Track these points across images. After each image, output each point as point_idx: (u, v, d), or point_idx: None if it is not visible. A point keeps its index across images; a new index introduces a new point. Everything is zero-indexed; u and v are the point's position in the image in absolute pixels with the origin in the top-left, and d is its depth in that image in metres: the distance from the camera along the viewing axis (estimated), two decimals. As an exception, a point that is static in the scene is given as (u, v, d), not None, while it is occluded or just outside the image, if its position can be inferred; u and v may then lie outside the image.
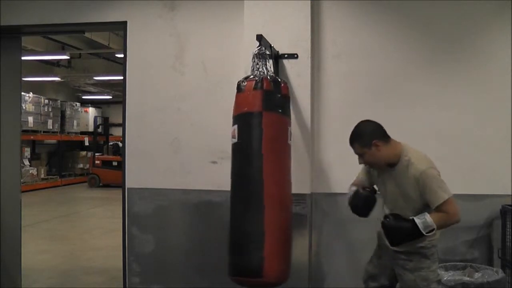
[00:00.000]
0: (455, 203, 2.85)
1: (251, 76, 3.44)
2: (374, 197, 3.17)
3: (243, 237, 3.30)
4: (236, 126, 3.37)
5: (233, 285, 4.22)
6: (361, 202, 3.16)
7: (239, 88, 3.43)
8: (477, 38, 4.12)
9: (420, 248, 2.98)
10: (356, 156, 3.04)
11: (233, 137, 3.39)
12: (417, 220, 2.79)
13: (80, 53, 14.13)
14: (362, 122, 3.06)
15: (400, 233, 2.86)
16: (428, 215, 2.81)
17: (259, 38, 3.47)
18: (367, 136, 2.95)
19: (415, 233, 2.80)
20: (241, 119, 3.37)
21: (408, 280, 3.02)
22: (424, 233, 2.78)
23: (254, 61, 3.47)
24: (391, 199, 3.08)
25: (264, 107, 3.32)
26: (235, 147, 3.40)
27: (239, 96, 3.42)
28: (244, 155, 3.36)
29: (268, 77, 3.42)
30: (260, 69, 3.46)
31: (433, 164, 2.95)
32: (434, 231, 2.81)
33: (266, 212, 3.25)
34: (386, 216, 2.94)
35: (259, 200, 3.26)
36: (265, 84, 3.35)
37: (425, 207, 2.91)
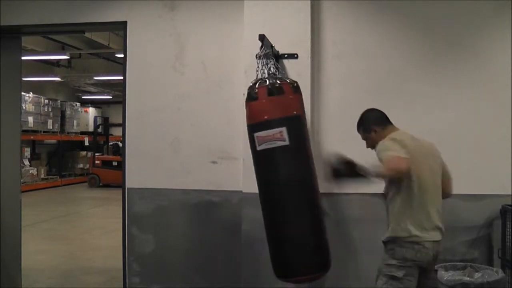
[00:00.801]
0: (395, 158, 2.86)
1: (262, 78, 3.39)
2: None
3: (305, 237, 3.35)
4: (284, 129, 3.26)
5: (233, 285, 4.23)
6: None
7: (278, 90, 3.32)
8: (477, 38, 4.12)
9: (384, 241, 3.11)
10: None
11: (279, 139, 3.25)
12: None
13: (80, 53, 14.12)
14: (366, 110, 3.32)
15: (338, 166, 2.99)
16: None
17: (262, 38, 3.46)
18: (367, 123, 3.24)
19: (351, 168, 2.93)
20: (290, 121, 3.30)
21: None
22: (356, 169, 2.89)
23: (263, 62, 3.46)
24: None
25: (303, 111, 3.48)
26: (283, 149, 3.28)
27: (280, 98, 3.31)
28: (295, 158, 3.33)
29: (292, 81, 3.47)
30: (271, 70, 3.46)
31: (393, 137, 3.05)
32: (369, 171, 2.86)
33: (319, 211, 3.43)
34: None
35: (315, 201, 3.42)
36: (299, 89, 3.48)
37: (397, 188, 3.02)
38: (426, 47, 4.15)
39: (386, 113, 4.22)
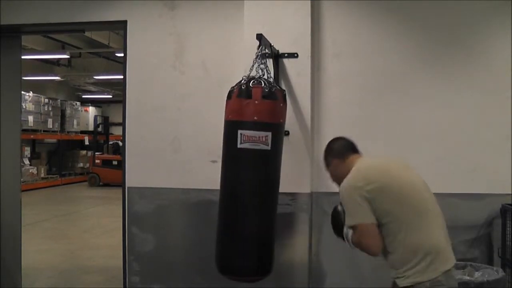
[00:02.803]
0: (367, 229, 2.54)
1: (255, 78, 3.39)
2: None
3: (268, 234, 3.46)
4: (270, 134, 3.31)
5: (233, 284, 4.23)
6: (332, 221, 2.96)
7: (272, 95, 3.34)
8: (477, 38, 4.12)
9: (393, 278, 2.60)
10: None
11: (263, 143, 3.29)
12: (344, 229, 2.70)
13: (80, 52, 14.14)
14: (332, 140, 3.01)
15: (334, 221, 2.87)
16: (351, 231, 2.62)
17: (259, 37, 3.46)
18: (328, 154, 2.94)
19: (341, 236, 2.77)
20: (275, 128, 3.37)
21: None
22: (345, 237, 2.69)
23: (259, 62, 3.46)
24: None
25: (284, 120, 3.52)
26: (263, 153, 3.32)
27: (273, 103, 3.35)
28: (273, 162, 3.41)
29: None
30: (265, 72, 3.48)
31: (356, 181, 2.61)
32: (349, 241, 2.64)
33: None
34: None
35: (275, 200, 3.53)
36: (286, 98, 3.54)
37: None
38: (426, 46, 4.15)
39: (386, 112, 4.24)
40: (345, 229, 2.69)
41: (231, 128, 3.39)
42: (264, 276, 3.47)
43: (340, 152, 2.88)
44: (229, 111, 3.41)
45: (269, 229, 3.45)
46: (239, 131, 3.30)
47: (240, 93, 3.33)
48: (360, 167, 2.70)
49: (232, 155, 3.41)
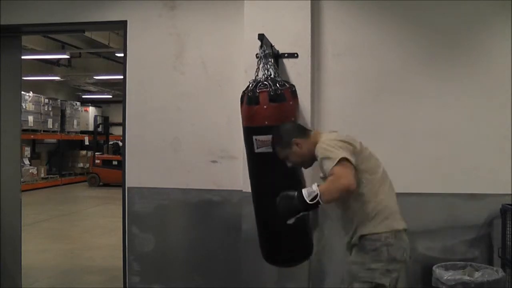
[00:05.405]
0: (344, 165, 2.56)
1: (262, 81, 3.39)
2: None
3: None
4: None
5: (233, 284, 4.24)
6: None
7: (279, 97, 3.34)
8: (478, 38, 4.12)
9: (360, 238, 2.75)
10: None
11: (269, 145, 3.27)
12: (304, 190, 2.59)
13: (80, 53, 14.12)
14: (280, 125, 3.04)
15: (286, 203, 2.66)
16: (316, 184, 2.61)
17: (261, 37, 3.46)
18: (285, 137, 2.90)
19: (301, 202, 2.57)
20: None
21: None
22: (308, 200, 2.54)
23: (263, 62, 3.47)
24: None
25: (298, 114, 3.56)
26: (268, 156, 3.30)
27: (281, 105, 3.35)
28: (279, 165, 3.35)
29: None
30: (272, 72, 3.48)
31: (333, 138, 2.74)
32: (317, 197, 2.53)
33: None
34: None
35: None
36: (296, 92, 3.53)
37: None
38: (426, 46, 4.15)
39: (386, 112, 4.24)
40: (306, 190, 2.57)
41: (246, 134, 3.47)
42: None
43: (301, 130, 2.95)
44: (243, 117, 3.48)
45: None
46: (254, 137, 3.38)
47: (249, 100, 3.38)
48: (334, 135, 2.83)
49: (252, 159, 3.49)
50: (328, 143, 2.69)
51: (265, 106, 3.31)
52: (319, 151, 2.70)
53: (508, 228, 3.87)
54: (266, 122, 3.30)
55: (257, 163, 3.48)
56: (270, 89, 3.33)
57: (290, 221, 2.70)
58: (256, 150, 3.38)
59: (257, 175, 3.53)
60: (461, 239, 4.06)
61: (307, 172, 3.45)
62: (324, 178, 2.72)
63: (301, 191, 2.59)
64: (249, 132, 3.41)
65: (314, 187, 2.58)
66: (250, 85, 3.42)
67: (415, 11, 4.16)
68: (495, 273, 3.77)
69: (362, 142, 2.87)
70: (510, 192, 3.95)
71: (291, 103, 3.43)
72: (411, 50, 4.17)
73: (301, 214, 2.65)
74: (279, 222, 2.75)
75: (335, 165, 2.56)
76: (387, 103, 4.18)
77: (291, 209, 2.64)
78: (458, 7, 4.10)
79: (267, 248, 3.63)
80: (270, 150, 3.18)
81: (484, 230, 4.07)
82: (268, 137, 3.22)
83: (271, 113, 3.31)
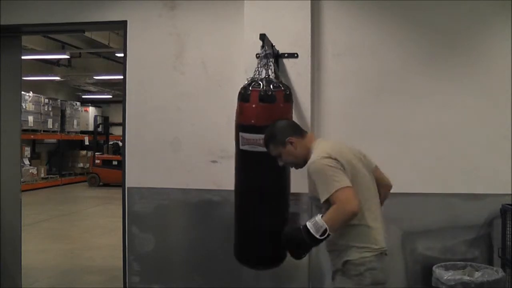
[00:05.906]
0: (345, 191, 2.47)
1: (257, 80, 3.39)
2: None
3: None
4: None
5: (233, 284, 4.24)
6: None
7: (269, 98, 3.31)
8: (478, 38, 4.12)
9: (344, 264, 2.63)
10: None
11: (260, 145, 3.20)
12: (308, 223, 2.49)
13: (80, 53, 14.12)
14: (274, 121, 2.95)
15: (294, 242, 2.58)
16: (320, 215, 2.50)
17: (262, 37, 3.46)
18: (279, 135, 2.81)
19: (311, 239, 2.48)
20: None
21: None
22: (318, 236, 2.44)
23: (263, 62, 3.46)
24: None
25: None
26: (262, 154, 3.23)
27: (270, 106, 3.32)
28: (273, 163, 3.31)
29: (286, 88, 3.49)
30: (271, 72, 3.47)
31: (328, 153, 2.60)
32: (327, 232, 2.44)
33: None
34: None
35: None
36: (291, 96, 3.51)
37: None
38: (426, 46, 4.15)
39: (386, 112, 4.24)
40: (313, 226, 2.48)
41: (236, 130, 3.46)
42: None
43: (298, 129, 2.86)
44: (236, 113, 3.47)
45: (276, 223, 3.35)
46: (240, 134, 3.37)
47: (241, 96, 3.37)
48: (327, 144, 2.73)
49: (237, 155, 3.50)
50: (325, 164, 2.56)
51: (254, 105, 3.29)
52: (314, 170, 2.59)
53: (508, 228, 3.87)
54: (253, 121, 3.28)
55: (240, 160, 3.48)
56: (262, 89, 3.31)
57: (304, 256, 2.69)
58: (241, 147, 3.38)
59: (239, 171, 3.50)
60: (461, 239, 4.06)
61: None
62: (313, 198, 2.68)
63: (307, 229, 2.48)
64: (237, 128, 3.42)
65: (319, 220, 2.48)
66: (246, 83, 3.42)
67: (415, 11, 4.16)
68: (495, 273, 3.77)
69: (356, 154, 2.78)
70: (510, 192, 3.95)
71: (281, 105, 3.36)
72: (411, 50, 4.17)
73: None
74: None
75: (337, 192, 2.47)
76: (387, 103, 4.18)
77: (304, 248, 2.60)
78: (458, 7, 4.10)
79: (240, 246, 3.54)
80: (254, 149, 3.20)
81: (484, 230, 4.07)
82: (252, 136, 3.23)
83: (259, 112, 3.28)
